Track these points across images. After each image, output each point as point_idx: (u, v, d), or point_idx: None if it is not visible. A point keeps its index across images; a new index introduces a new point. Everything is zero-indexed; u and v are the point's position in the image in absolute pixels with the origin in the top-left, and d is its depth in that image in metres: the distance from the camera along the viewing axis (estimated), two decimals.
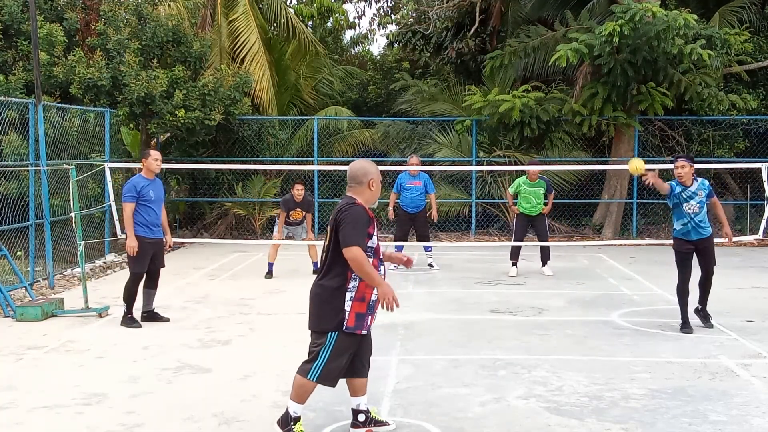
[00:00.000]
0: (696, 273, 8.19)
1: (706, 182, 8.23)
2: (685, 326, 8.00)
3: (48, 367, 6.77)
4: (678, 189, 8.10)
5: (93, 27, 14.57)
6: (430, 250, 12.46)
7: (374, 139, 17.58)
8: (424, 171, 12.46)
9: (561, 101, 16.03)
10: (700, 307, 8.25)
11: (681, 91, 15.32)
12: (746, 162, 15.02)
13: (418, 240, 12.30)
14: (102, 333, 8.00)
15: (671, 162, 8.48)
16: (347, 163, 17.57)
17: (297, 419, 4.93)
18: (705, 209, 8.12)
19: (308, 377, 4.86)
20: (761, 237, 11.58)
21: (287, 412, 4.96)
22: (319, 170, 16.24)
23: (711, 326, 8.08)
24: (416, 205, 12.05)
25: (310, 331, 4.96)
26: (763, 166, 11.25)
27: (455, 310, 9.15)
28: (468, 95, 16.49)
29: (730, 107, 15.64)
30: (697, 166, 8.53)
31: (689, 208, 8.08)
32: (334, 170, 16.38)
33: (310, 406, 5.68)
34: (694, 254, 8.16)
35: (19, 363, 6.89)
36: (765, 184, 10.93)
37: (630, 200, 16.40)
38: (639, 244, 15.16)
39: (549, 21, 18.33)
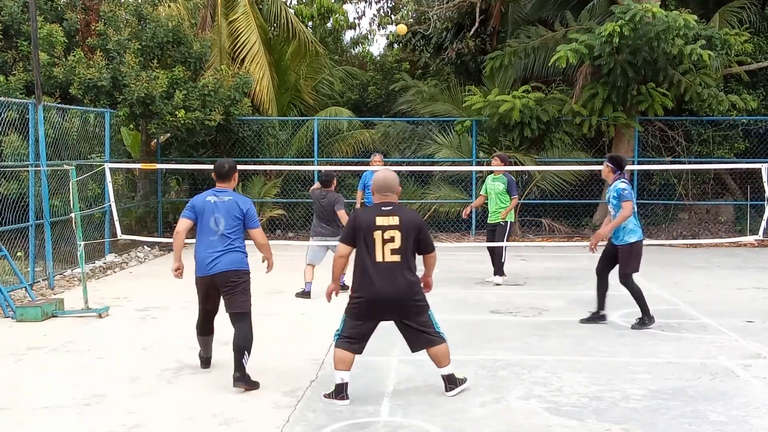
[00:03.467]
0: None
1: (620, 185, 8.17)
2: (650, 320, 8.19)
3: (48, 367, 6.77)
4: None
5: (93, 27, 14.57)
6: None
7: (374, 139, 17.57)
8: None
9: (561, 102, 16.02)
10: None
11: (681, 91, 15.31)
12: (746, 162, 15.02)
13: None
14: (102, 333, 8.00)
15: (671, 162, 8.49)
16: (347, 163, 17.50)
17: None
18: (617, 212, 8.15)
19: (444, 339, 5.88)
20: (761, 237, 11.57)
21: (452, 376, 5.89)
22: (319, 171, 16.21)
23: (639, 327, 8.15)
24: None
25: (405, 321, 5.77)
26: (763, 166, 11.24)
27: (455, 310, 9.15)
28: (468, 96, 16.48)
29: (730, 108, 15.64)
30: (697, 166, 8.55)
31: (610, 209, 8.29)
32: (334, 171, 16.37)
33: (311, 407, 5.69)
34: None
35: (19, 363, 6.89)
36: (765, 184, 10.93)
37: None
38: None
39: (549, 21, 18.33)
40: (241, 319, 6.18)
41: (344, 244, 5.72)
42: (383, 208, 5.69)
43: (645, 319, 8.18)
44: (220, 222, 6.23)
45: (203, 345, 6.62)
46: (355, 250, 5.70)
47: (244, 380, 5.99)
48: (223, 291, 6.18)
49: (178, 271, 6.34)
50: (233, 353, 6.04)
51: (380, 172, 5.88)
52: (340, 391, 5.72)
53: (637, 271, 8.27)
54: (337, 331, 5.85)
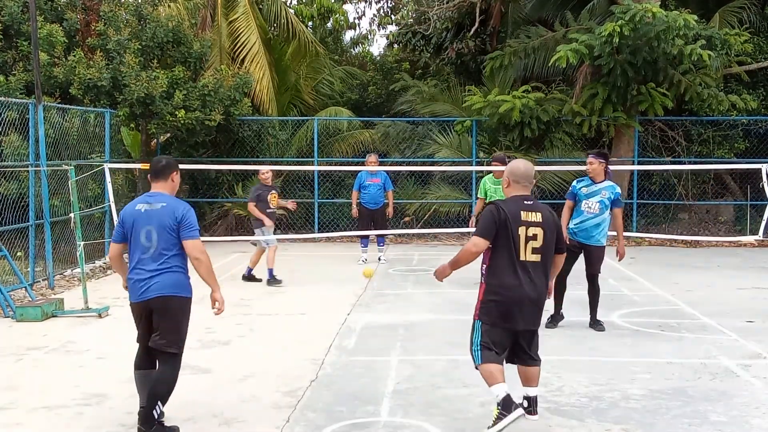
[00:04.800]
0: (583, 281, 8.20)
1: (618, 188, 8.11)
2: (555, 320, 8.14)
3: (48, 367, 6.77)
4: (578, 186, 8.07)
5: (93, 27, 14.58)
6: (383, 245, 13.30)
7: (374, 139, 17.56)
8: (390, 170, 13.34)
9: (561, 102, 16.03)
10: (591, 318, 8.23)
11: (681, 91, 15.31)
12: (746, 162, 15.02)
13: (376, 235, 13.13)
14: (102, 333, 8.00)
15: (671, 163, 8.48)
16: (347, 163, 17.44)
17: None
18: (606, 217, 7.99)
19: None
20: (761, 237, 11.57)
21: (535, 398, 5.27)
22: (320, 171, 16.24)
23: (602, 329, 8.04)
24: (376, 201, 12.91)
25: (530, 331, 5.19)
26: (763, 166, 11.24)
27: (455, 310, 9.14)
28: (468, 96, 16.48)
29: (730, 108, 15.64)
30: (697, 166, 8.50)
31: (587, 207, 7.97)
32: (335, 171, 16.40)
33: (311, 407, 5.69)
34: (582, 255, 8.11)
35: (20, 363, 6.89)
36: (765, 184, 10.93)
37: (630, 201, 16.38)
38: (639, 245, 15.17)
39: (549, 21, 18.33)
40: (165, 360, 5.06)
41: (483, 238, 5.08)
42: (525, 202, 5.14)
43: (600, 322, 8.11)
44: (153, 236, 5.04)
45: (140, 384, 5.20)
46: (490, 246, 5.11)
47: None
48: (154, 318, 5.06)
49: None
50: (146, 399, 5.02)
51: (517, 160, 5.40)
52: (508, 404, 4.89)
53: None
54: (475, 345, 5.15)
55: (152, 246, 5.05)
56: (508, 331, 5.11)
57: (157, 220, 5.05)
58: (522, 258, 5.05)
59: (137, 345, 5.33)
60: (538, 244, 5.07)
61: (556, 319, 8.21)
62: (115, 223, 5.57)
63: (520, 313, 5.06)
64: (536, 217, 5.09)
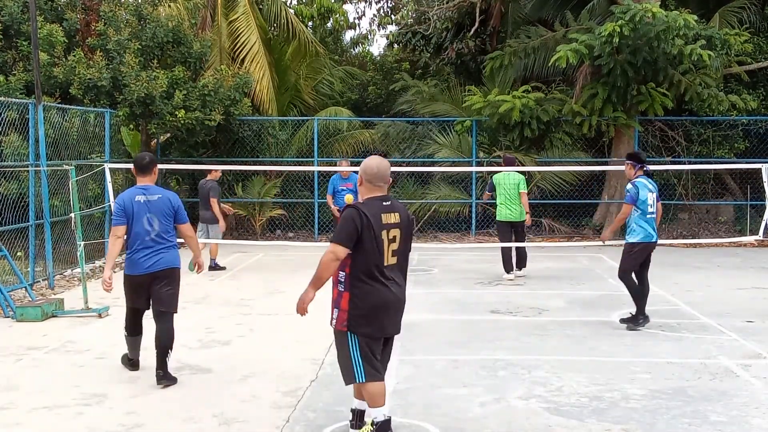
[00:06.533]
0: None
1: (628, 185, 8.38)
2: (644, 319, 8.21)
3: (48, 367, 6.77)
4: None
5: (93, 27, 14.58)
6: None
7: (374, 139, 17.56)
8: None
9: (561, 102, 16.03)
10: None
11: (681, 91, 15.31)
12: (746, 162, 15.02)
13: None
14: (102, 333, 8.00)
15: (671, 162, 8.52)
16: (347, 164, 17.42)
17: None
18: (632, 216, 8.28)
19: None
20: (761, 237, 11.57)
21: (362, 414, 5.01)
22: (320, 171, 16.23)
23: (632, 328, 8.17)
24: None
25: (387, 338, 4.98)
26: (763, 166, 11.25)
27: (455, 310, 9.14)
28: (468, 96, 16.49)
29: (730, 108, 15.64)
30: (697, 166, 8.56)
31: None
32: (335, 171, 16.37)
33: (311, 407, 5.69)
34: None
35: (19, 363, 6.89)
36: (765, 184, 10.93)
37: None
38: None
39: (549, 21, 18.33)
40: (167, 319, 6.24)
41: (343, 246, 4.68)
42: (384, 203, 4.84)
43: (639, 318, 8.14)
44: (154, 222, 6.21)
45: (132, 346, 6.51)
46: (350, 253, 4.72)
47: (168, 377, 6.15)
48: (155, 287, 6.22)
49: (110, 281, 6.16)
50: (156, 350, 6.15)
51: (371, 158, 4.95)
52: (386, 428, 4.82)
53: (633, 269, 8.24)
54: (356, 360, 4.80)
55: (153, 230, 6.20)
56: (378, 340, 4.88)
57: (156, 209, 6.22)
58: (386, 263, 4.78)
59: (129, 311, 6.42)
60: (396, 246, 4.83)
61: (637, 321, 8.11)
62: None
63: (388, 319, 4.86)
64: (395, 218, 4.82)
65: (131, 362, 6.57)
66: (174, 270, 6.30)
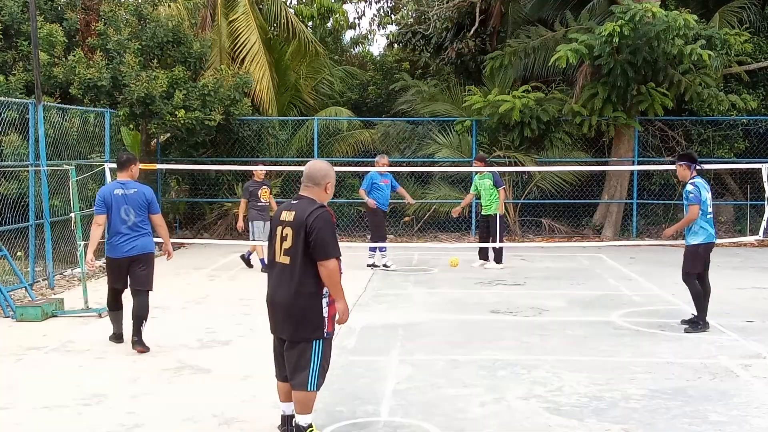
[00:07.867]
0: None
1: (689, 187, 8.11)
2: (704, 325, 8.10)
3: (48, 367, 6.77)
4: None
5: (93, 27, 14.57)
6: (385, 250, 12.55)
7: (374, 139, 17.56)
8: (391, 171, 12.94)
9: (561, 102, 16.03)
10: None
11: (681, 91, 15.31)
12: (746, 162, 15.02)
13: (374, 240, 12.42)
14: (102, 333, 7.99)
15: (671, 162, 8.47)
16: (347, 163, 17.46)
17: (309, 426, 4.86)
18: (690, 216, 8.08)
19: (309, 389, 4.79)
20: (761, 237, 11.57)
21: (298, 426, 4.83)
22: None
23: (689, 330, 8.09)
24: (389, 202, 12.64)
25: (283, 340, 4.83)
26: (763, 166, 11.25)
27: (455, 310, 9.14)
28: (468, 96, 16.49)
29: (730, 107, 15.64)
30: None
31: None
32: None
33: None
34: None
35: (19, 363, 6.89)
36: (765, 184, 10.93)
37: (630, 201, 16.40)
38: (639, 245, 15.16)
39: (549, 21, 18.32)
40: (142, 295, 7.22)
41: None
42: (292, 201, 4.86)
43: (699, 323, 8.08)
44: (130, 212, 7.18)
45: (115, 320, 7.52)
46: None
47: (141, 343, 7.09)
48: (133, 269, 7.20)
49: (92, 262, 7.34)
50: (133, 320, 7.14)
51: (311, 161, 5.09)
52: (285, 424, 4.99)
53: (697, 271, 8.19)
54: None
55: (129, 219, 7.18)
56: (278, 338, 4.90)
57: (132, 201, 7.19)
58: (277, 258, 4.77)
59: (111, 291, 7.41)
60: (288, 245, 4.71)
61: (697, 325, 8.04)
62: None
63: (273, 318, 4.84)
64: (290, 216, 4.73)
65: (117, 336, 7.49)
66: (149, 254, 7.27)
